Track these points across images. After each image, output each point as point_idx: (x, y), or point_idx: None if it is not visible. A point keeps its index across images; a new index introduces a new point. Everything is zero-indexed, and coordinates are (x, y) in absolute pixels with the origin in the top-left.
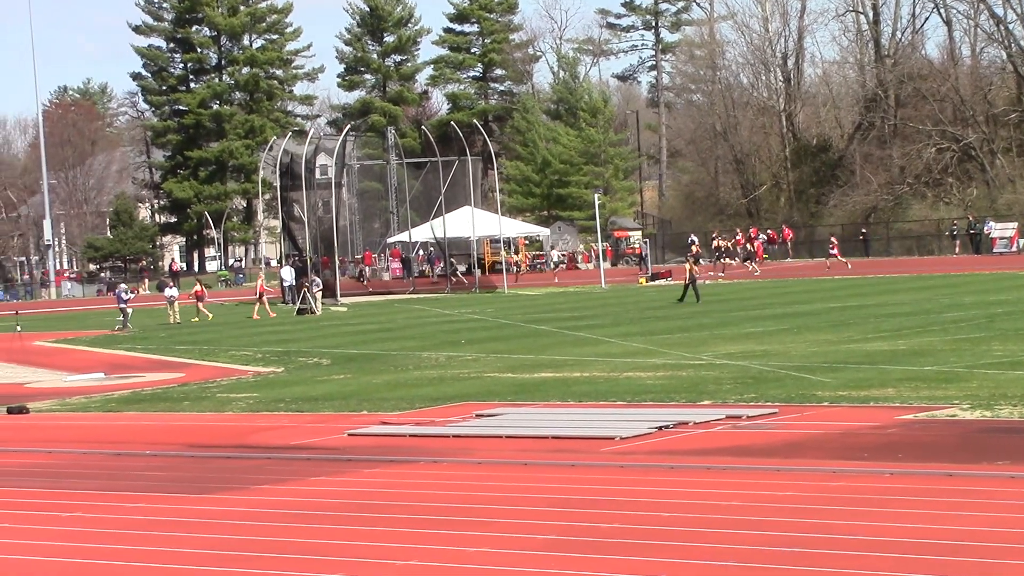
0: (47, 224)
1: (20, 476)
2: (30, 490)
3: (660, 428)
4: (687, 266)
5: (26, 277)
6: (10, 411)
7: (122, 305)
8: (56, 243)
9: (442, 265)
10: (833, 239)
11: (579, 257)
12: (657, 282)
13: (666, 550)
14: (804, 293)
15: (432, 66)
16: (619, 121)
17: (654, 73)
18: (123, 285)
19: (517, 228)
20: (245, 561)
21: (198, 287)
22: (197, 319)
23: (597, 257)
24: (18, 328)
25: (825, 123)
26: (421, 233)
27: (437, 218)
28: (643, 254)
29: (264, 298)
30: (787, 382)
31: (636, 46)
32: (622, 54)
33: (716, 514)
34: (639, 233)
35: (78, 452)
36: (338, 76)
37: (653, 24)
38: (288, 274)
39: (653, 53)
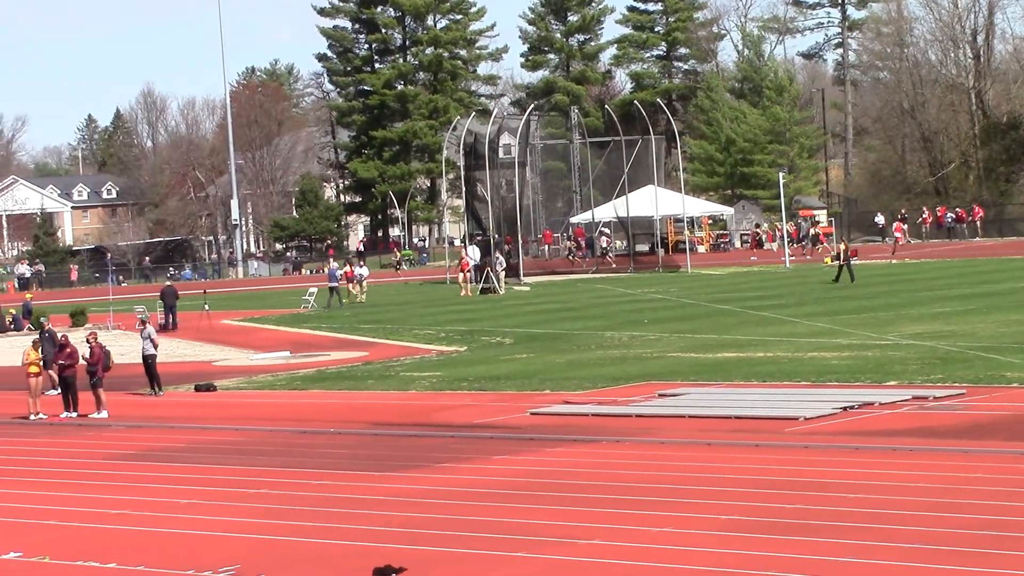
0: (234, 204)
1: (209, 453)
2: (218, 467)
3: (845, 409)
4: (841, 247)
5: (213, 257)
6: (198, 389)
7: (333, 284)
8: (243, 223)
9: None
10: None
11: (763, 236)
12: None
13: (851, 531)
14: (994, 272)
15: (616, 45)
16: (804, 99)
17: (840, 51)
18: (335, 263)
19: (700, 207)
20: (429, 539)
21: (348, 268)
22: (348, 300)
23: (781, 237)
24: (206, 307)
25: (1016, 100)
26: (604, 212)
27: (620, 197)
28: (810, 233)
29: (466, 275)
30: (975, 363)
31: (822, 23)
32: (808, 32)
33: (902, 496)
34: (824, 212)
35: (264, 430)
36: (522, 56)
37: (840, 1)
38: (473, 253)
39: (839, 30)
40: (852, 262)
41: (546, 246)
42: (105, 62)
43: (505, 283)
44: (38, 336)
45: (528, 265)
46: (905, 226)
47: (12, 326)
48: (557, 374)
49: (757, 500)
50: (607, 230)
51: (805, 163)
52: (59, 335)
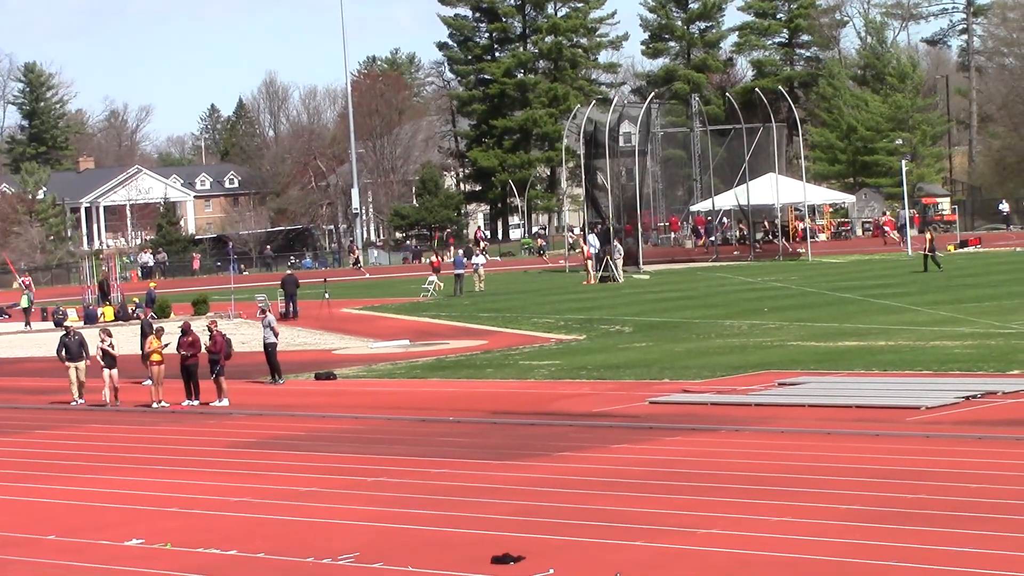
0: (355, 193)
1: (328, 441)
2: (338, 455)
3: (967, 398)
4: (927, 236)
5: (334, 245)
6: (318, 377)
7: (459, 271)
8: (363, 211)
9: (744, 232)
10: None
11: (885, 224)
12: (965, 249)
13: (973, 522)
14: None
15: (737, 32)
16: (927, 86)
17: (965, 37)
18: (460, 251)
19: (822, 195)
20: (548, 527)
21: (434, 258)
22: (439, 290)
23: (902, 226)
24: (326, 296)
25: None
26: (725, 200)
27: (741, 185)
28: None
29: (590, 263)
30: None
31: (946, 9)
32: (932, 18)
33: None
34: (947, 200)
35: (384, 418)
36: (642, 44)
37: None
38: (593, 241)
39: (964, 16)
40: (937, 252)
41: (672, 233)
42: (228, 52)
43: (624, 271)
44: (139, 325)
45: (647, 253)
46: None
47: (136, 314)
48: (676, 363)
49: (877, 490)
50: (727, 219)
51: (928, 151)
52: (182, 323)
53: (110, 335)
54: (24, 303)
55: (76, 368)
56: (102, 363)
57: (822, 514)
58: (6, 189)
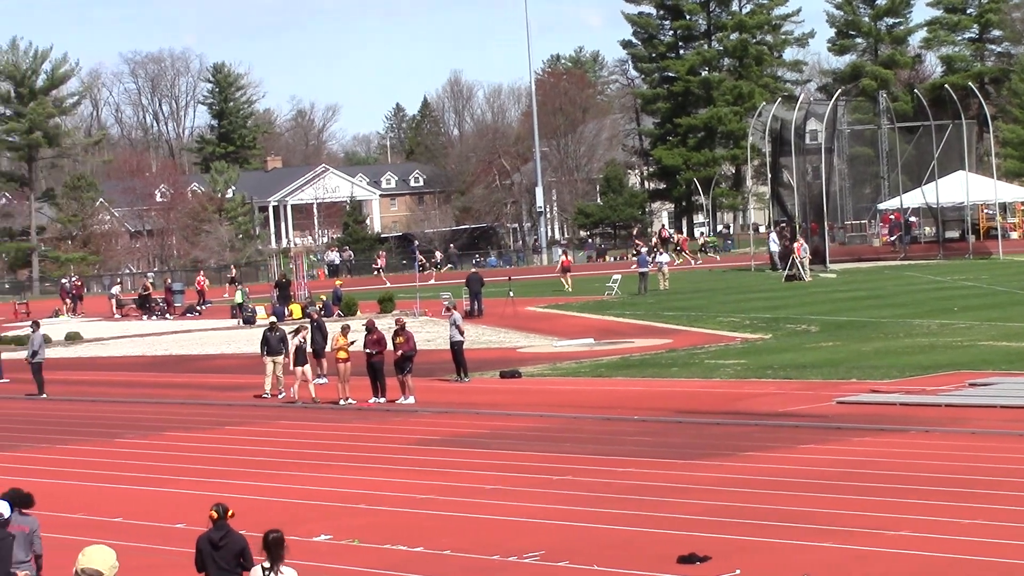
0: (539, 191)
1: (514, 439)
2: (523, 453)
3: None
4: None
5: (518, 244)
6: (503, 375)
7: (643, 269)
8: (547, 210)
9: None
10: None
11: None
12: None
13: None
14: None
15: (926, 28)
16: None
17: None
18: (644, 249)
19: (1013, 193)
20: (734, 527)
21: (565, 258)
22: (569, 289)
23: None
24: (511, 294)
25: None
26: (913, 199)
27: (930, 183)
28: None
29: (799, 261)
30: None
31: None
32: None
33: None
34: None
35: (568, 416)
36: (828, 41)
37: None
38: (774, 239)
39: None
40: None
41: (882, 226)
42: (413, 51)
43: (811, 270)
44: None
45: (834, 252)
46: None
47: (323, 312)
48: (864, 362)
49: None
50: (915, 217)
51: None
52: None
53: (301, 331)
54: (239, 299)
55: (274, 363)
56: (292, 359)
57: (1014, 517)
58: (196, 188)
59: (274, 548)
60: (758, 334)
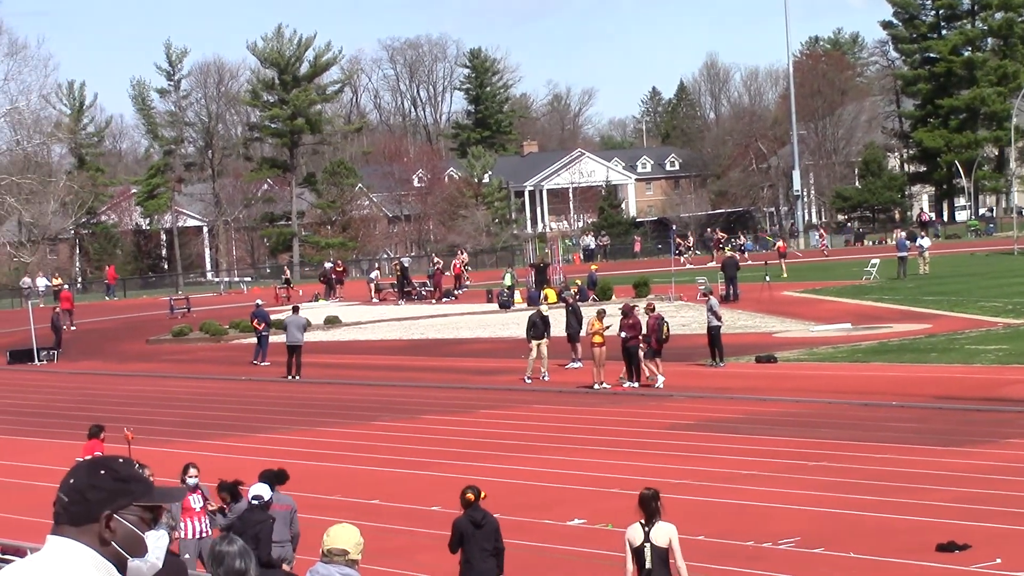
0: (796, 175)
1: (769, 424)
2: (778, 438)
3: None
4: None
5: (775, 228)
6: (758, 360)
7: (902, 254)
8: (805, 194)
9: None
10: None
11: None
12: None
13: None
14: None
15: None
16: None
17: None
18: (903, 234)
19: None
20: (994, 516)
21: (782, 243)
22: (785, 275)
23: None
24: (767, 278)
25: None
26: None
27: None
28: None
29: None
30: None
31: None
32: None
33: None
34: None
35: (825, 402)
36: None
37: None
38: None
39: None
40: None
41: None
42: (669, 35)
43: None
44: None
45: None
46: None
47: (578, 296)
48: None
49: None
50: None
51: None
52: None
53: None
54: (507, 281)
55: (539, 345)
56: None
57: None
58: (453, 173)
59: (651, 502)
60: (1021, 319)
